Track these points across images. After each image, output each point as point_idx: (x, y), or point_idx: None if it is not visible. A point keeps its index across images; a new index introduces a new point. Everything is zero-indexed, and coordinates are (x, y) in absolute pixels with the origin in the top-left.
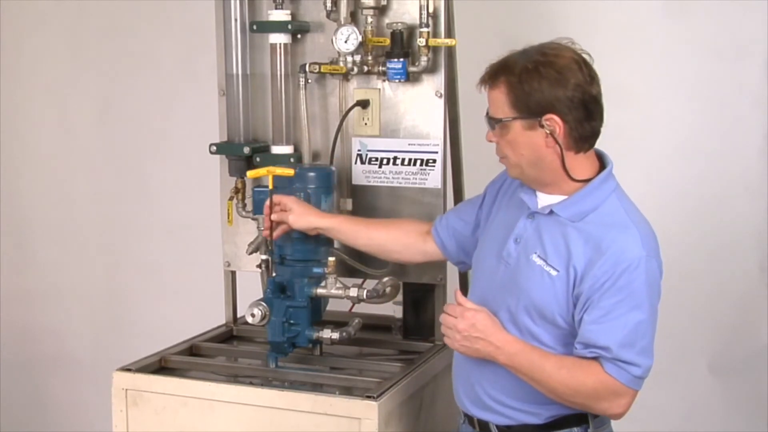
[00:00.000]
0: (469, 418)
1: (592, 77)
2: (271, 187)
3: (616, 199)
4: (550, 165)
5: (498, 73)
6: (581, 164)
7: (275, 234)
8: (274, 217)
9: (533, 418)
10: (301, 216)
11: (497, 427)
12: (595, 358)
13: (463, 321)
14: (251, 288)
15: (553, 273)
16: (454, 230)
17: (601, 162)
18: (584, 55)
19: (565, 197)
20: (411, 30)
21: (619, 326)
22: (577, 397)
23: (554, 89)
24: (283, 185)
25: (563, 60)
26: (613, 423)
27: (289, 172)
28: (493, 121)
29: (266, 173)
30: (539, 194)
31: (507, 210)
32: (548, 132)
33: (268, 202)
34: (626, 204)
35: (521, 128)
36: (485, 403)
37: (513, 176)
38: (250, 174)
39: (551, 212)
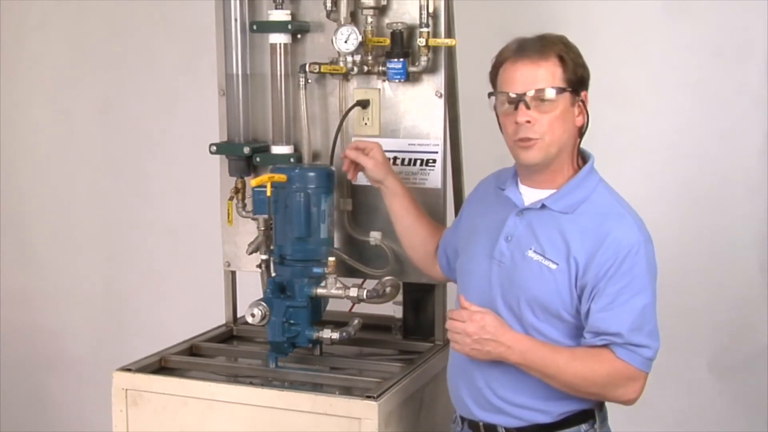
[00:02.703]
0: (473, 423)
1: None
2: (269, 194)
3: (604, 189)
4: (570, 145)
5: (551, 46)
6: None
7: (351, 175)
8: (352, 154)
9: (544, 417)
10: (378, 167)
11: (506, 429)
12: (605, 346)
13: (472, 324)
14: (251, 288)
15: (553, 266)
16: (449, 255)
17: (582, 156)
18: None
19: (553, 191)
20: (411, 30)
21: (627, 311)
22: (593, 386)
23: (587, 67)
24: (282, 185)
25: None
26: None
27: (282, 178)
28: (554, 90)
29: (267, 180)
30: (523, 190)
31: (488, 212)
32: (581, 108)
33: (352, 147)
34: (614, 193)
35: (568, 104)
36: (494, 404)
37: (535, 160)
38: (254, 182)
39: (543, 206)
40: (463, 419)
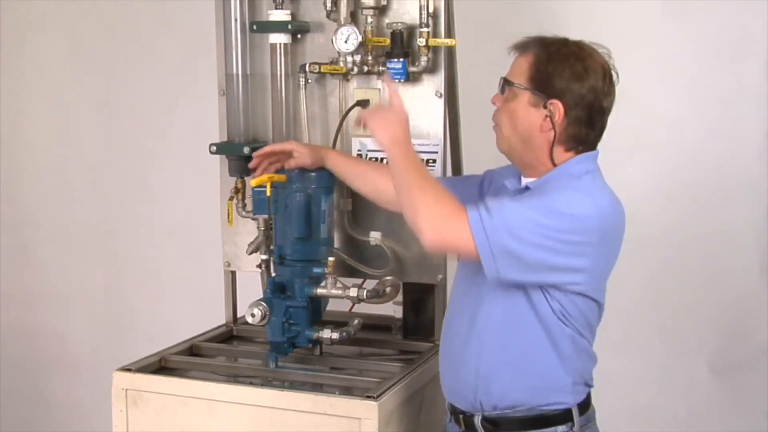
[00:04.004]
0: (455, 414)
1: (609, 91)
2: (269, 194)
3: (589, 179)
4: (539, 148)
5: (532, 45)
6: (567, 159)
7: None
8: (291, 164)
9: (518, 411)
10: (314, 162)
11: (482, 417)
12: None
13: (392, 106)
14: (251, 288)
15: None
16: None
17: None
18: (613, 72)
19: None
20: (411, 30)
21: (513, 209)
22: (419, 198)
23: (572, 81)
24: (283, 185)
25: (594, 62)
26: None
27: (282, 178)
28: (507, 83)
29: (267, 180)
30: (523, 180)
31: None
32: (548, 115)
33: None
34: (598, 181)
35: (526, 102)
36: (471, 396)
37: (501, 149)
38: (254, 182)
39: (527, 188)
40: (451, 408)
